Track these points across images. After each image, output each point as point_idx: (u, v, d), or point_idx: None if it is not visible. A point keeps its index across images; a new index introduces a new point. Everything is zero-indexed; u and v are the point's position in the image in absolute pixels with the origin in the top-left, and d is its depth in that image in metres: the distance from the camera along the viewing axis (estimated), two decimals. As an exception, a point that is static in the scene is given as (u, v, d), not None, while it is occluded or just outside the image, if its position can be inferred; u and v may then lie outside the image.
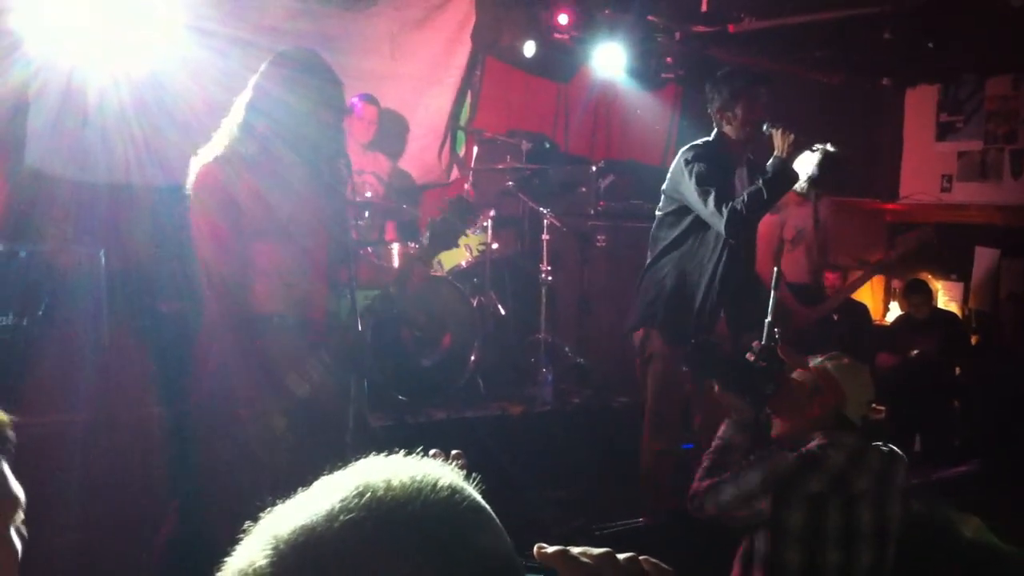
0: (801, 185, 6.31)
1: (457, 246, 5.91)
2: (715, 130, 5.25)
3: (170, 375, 5.17)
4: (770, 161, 5.00)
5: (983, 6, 6.95)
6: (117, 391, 4.99)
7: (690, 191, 5.05)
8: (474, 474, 1.08)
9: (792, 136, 4.93)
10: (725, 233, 4.96)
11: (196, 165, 3.66)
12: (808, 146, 5.13)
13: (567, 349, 7.40)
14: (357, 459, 1.05)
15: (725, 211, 4.89)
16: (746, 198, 4.90)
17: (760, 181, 4.94)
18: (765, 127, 5.03)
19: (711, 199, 4.93)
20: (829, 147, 6.46)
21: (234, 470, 3.49)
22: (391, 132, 7.39)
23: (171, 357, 5.24)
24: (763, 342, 3.49)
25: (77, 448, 4.63)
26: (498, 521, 1.04)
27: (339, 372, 3.71)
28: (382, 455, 1.06)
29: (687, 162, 5.09)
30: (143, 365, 5.19)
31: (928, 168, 10.31)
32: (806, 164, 6.40)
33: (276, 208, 3.70)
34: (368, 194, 6.62)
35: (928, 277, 9.24)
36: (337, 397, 3.73)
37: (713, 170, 5.04)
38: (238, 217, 3.63)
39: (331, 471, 1.04)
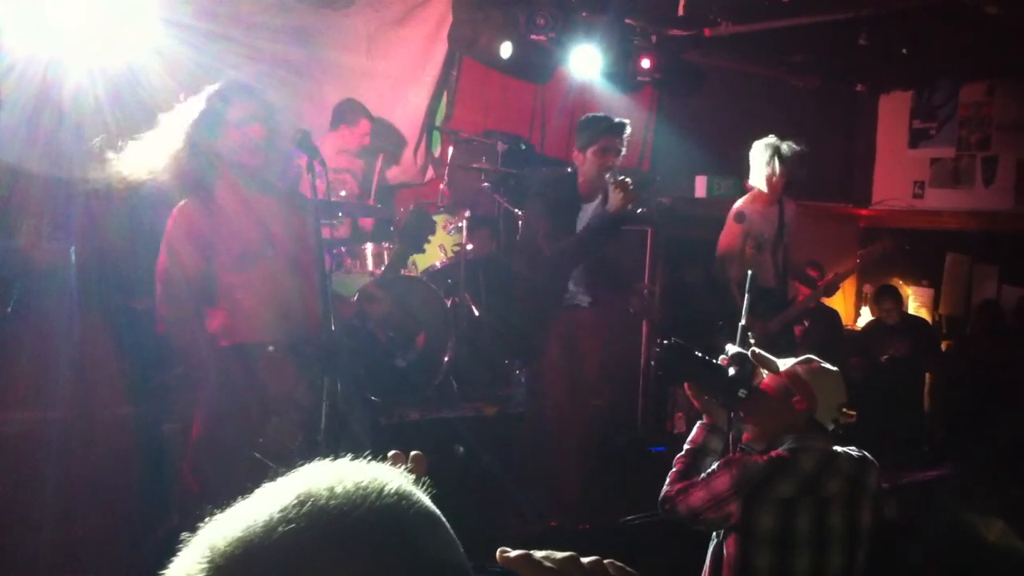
0: (764, 178, 6.40)
1: (423, 251, 5.94)
2: (573, 166, 5.55)
3: (147, 373, 5.16)
4: (597, 215, 5.33)
5: (958, 13, 6.99)
6: (91, 388, 4.96)
7: (534, 208, 5.56)
8: (425, 478, 1.04)
9: (631, 202, 5.18)
10: (544, 252, 5.34)
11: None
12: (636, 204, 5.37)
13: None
14: (333, 459, 1.01)
15: (553, 247, 5.31)
16: (574, 244, 5.31)
17: (587, 231, 5.30)
18: (608, 176, 5.24)
19: (544, 229, 5.38)
20: (791, 144, 6.47)
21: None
22: (384, 140, 7.38)
23: (147, 354, 5.22)
24: (736, 345, 3.51)
25: (52, 446, 4.60)
26: (449, 527, 1.01)
27: (315, 373, 3.73)
28: (327, 460, 1.01)
29: (539, 182, 5.61)
30: (118, 362, 5.16)
31: (901, 174, 10.38)
32: (763, 165, 6.43)
33: (252, 235, 3.73)
34: (343, 192, 6.61)
35: (899, 283, 9.31)
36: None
37: (555, 200, 5.44)
38: (213, 252, 3.68)
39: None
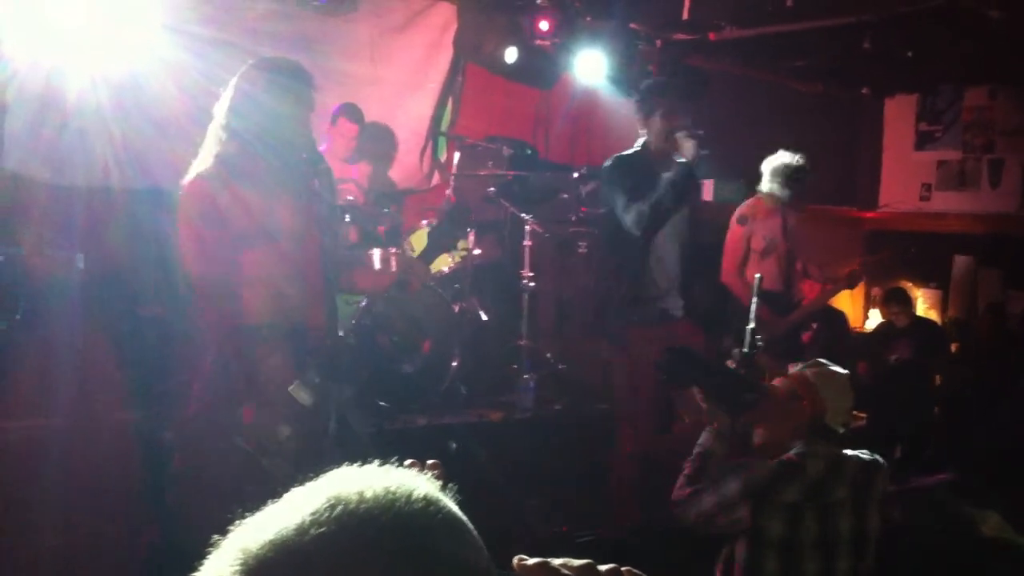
0: (770, 193, 6.45)
1: (456, 249, 5.92)
2: (641, 139, 5.55)
3: (149, 380, 5.15)
4: (674, 169, 5.29)
5: (962, 17, 6.98)
6: (94, 395, 4.96)
7: (606, 196, 5.51)
8: (451, 484, 1.05)
9: (702, 144, 5.22)
10: (632, 231, 5.31)
11: (186, 177, 3.67)
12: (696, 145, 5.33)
13: (548, 355, 7.38)
14: (338, 465, 1.02)
15: (632, 213, 5.27)
16: (652, 201, 5.24)
17: (667, 186, 5.24)
18: (678, 134, 5.29)
19: (621, 202, 5.33)
20: (796, 159, 6.53)
21: (233, 478, 3.49)
22: (374, 143, 7.37)
23: (150, 361, 5.22)
24: (744, 349, 3.49)
25: (55, 452, 4.60)
26: (475, 533, 1.01)
27: (323, 377, 3.72)
28: (356, 464, 1.02)
29: (605, 171, 5.51)
30: (121, 369, 5.16)
31: (907, 177, 10.36)
32: (774, 175, 6.50)
33: (264, 214, 3.69)
34: (349, 198, 6.60)
35: (907, 285, 9.29)
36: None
37: (627, 177, 5.39)
38: (225, 227, 3.63)
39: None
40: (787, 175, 6.51)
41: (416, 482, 1.00)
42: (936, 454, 7.67)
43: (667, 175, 5.30)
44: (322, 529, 0.92)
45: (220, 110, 3.75)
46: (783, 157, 6.58)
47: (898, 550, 3.73)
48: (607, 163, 5.51)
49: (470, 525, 1.02)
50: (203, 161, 3.69)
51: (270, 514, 0.97)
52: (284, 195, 3.76)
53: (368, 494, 0.95)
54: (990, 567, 3.89)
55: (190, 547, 0.99)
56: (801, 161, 6.56)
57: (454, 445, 5.96)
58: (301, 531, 0.92)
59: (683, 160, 5.26)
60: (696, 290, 5.76)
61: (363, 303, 5.93)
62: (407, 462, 1.19)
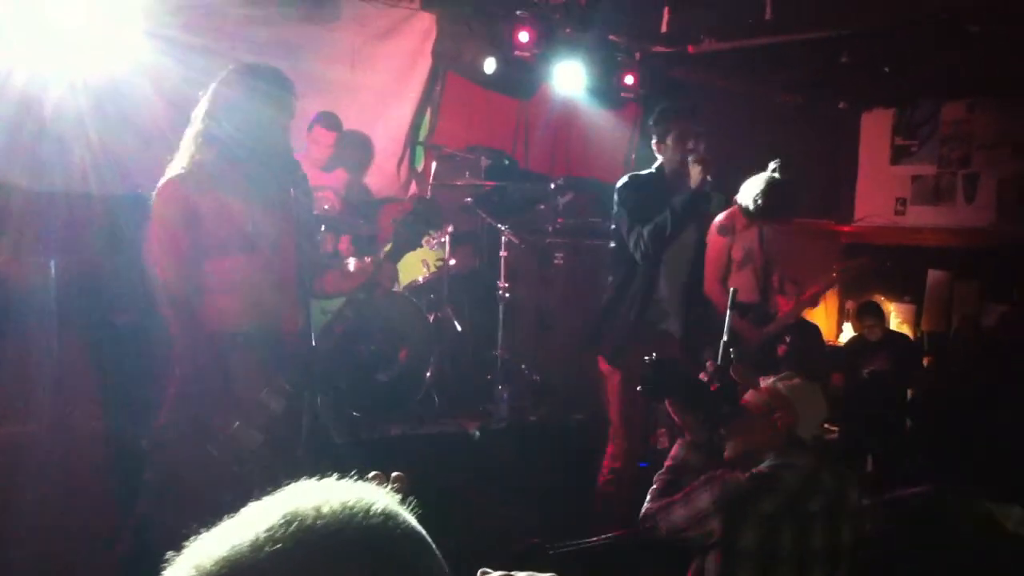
0: (746, 207, 6.48)
1: (421, 245, 5.90)
2: (658, 161, 5.56)
3: (125, 387, 5.13)
4: (680, 195, 5.27)
5: (940, 31, 7.02)
6: (69, 402, 4.94)
7: (616, 215, 5.48)
8: (411, 498, 1.04)
9: (709, 171, 5.20)
10: (636, 255, 5.34)
11: (161, 180, 3.66)
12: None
13: (524, 366, 7.38)
14: (313, 474, 1.02)
15: (633, 235, 5.30)
16: (651, 227, 5.25)
17: (667, 212, 5.24)
18: (690, 159, 5.29)
19: (626, 223, 5.37)
20: (775, 174, 6.55)
21: (206, 486, 3.48)
22: (352, 151, 7.36)
23: (126, 369, 5.20)
24: (718, 362, 3.51)
25: (30, 459, 4.58)
26: (435, 547, 1.01)
27: (297, 385, 3.71)
28: (327, 475, 1.01)
29: (617, 189, 5.50)
30: (96, 376, 5.13)
31: (883, 191, 10.41)
32: (752, 189, 6.52)
33: (240, 220, 3.69)
34: (325, 207, 6.60)
35: (881, 299, 9.33)
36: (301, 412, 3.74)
37: (637, 198, 5.40)
38: (199, 232, 3.62)
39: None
40: (764, 189, 6.53)
41: (375, 496, 0.99)
42: (911, 466, 7.71)
43: (674, 199, 5.34)
44: (277, 546, 0.91)
45: (198, 115, 3.76)
46: (765, 174, 6.59)
47: (873, 562, 3.74)
48: (620, 182, 5.53)
49: (429, 540, 1.01)
50: (178, 165, 3.69)
51: (225, 530, 0.96)
52: (261, 202, 3.75)
53: (325, 509, 0.94)
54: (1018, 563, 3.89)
55: (163, 555, 0.99)
56: (779, 174, 6.58)
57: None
58: (256, 547, 0.91)
59: (691, 187, 5.25)
60: (696, 311, 5.75)
61: (336, 308, 5.95)
62: (370, 475, 1.18)
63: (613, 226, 5.57)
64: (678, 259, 5.54)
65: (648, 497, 3.45)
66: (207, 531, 0.96)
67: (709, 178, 5.22)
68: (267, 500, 0.98)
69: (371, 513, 0.96)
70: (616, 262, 5.59)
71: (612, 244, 5.62)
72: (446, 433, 6.41)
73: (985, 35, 6.92)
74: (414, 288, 6.88)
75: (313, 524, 0.93)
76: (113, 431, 5.00)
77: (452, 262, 7.07)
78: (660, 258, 5.42)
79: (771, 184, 6.51)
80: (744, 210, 6.60)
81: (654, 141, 5.56)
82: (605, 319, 5.58)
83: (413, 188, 7.90)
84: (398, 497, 1.02)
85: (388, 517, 0.97)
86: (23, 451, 4.62)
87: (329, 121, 6.81)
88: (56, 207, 5.46)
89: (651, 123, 5.64)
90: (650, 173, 5.56)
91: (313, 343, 3.81)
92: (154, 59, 5.63)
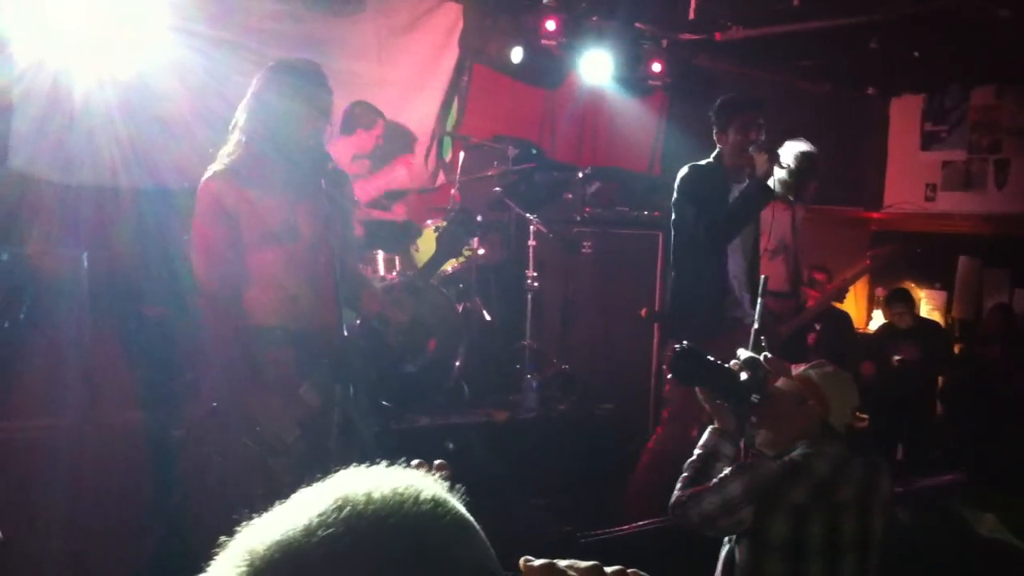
0: (776, 183, 6.43)
1: (463, 255, 5.91)
2: (716, 151, 5.58)
3: (156, 380, 5.15)
4: (747, 183, 5.34)
5: (968, 16, 6.97)
6: (101, 395, 4.96)
7: (679, 206, 5.51)
8: (458, 485, 1.05)
9: (777, 160, 5.24)
10: (704, 242, 5.38)
11: (203, 176, 3.70)
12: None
13: (552, 356, 7.38)
14: (343, 466, 1.02)
15: (704, 224, 5.33)
16: (726, 216, 5.33)
17: (741, 200, 5.34)
18: (751, 148, 5.32)
19: (692, 212, 5.40)
20: (805, 146, 6.48)
21: (240, 479, 3.51)
22: (395, 140, 7.37)
23: (157, 361, 5.22)
24: (749, 350, 3.49)
25: (63, 452, 4.61)
26: (483, 534, 1.02)
27: (332, 379, 3.74)
28: (363, 465, 1.02)
29: (679, 180, 5.52)
30: (128, 369, 5.17)
31: (912, 177, 10.35)
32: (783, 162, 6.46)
33: (275, 216, 3.71)
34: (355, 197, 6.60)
35: (911, 286, 9.28)
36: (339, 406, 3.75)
37: (700, 188, 5.44)
38: (235, 228, 3.65)
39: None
40: (796, 166, 6.45)
41: (424, 483, 1.00)
42: (942, 455, 7.67)
43: (739, 188, 5.38)
44: (330, 530, 0.92)
45: (240, 111, 3.79)
46: (793, 147, 6.52)
47: (904, 552, 3.73)
48: (681, 172, 5.55)
49: (478, 526, 1.02)
50: (220, 161, 3.72)
51: (277, 515, 0.97)
52: (298, 198, 3.77)
53: (376, 495, 0.95)
54: (986, 568, 3.89)
55: (197, 547, 0.99)
56: (807, 148, 6.51)
57: (451, 445, 5.97)
58: (308, 532, 0.92)
59: (756, 176, 5.28)
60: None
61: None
62: (414, 462, 1.19)
63: (673, 217, 5.59)
64: (742, 247, 5.59)
65: (679, 484, 3.44)
66: (242, 523, 0.97)
67: (777, 168, 5.25)
68: (319, 486, 0.99)
69: (420, 500, 0.97)
70: (681, 254, 5.61)
71: (674, 236, 5.63)
72: (475, 423, 6.42)
73: (1014, 20, 6.85)
74: (443, 278, 6.88)
75: (364, 510, 0.94)
76: (144, 424, 5.03)
77: (480, 252, 7.07)
78: (726, 247, 5.49)
79: (801, 153, 6.45)
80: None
81: (715, 132, 5.58)
82: (679, 312, 5.63)
83: (441, 178, 7.90)
84: (446, 484, 1.03)
85: (437, 504, 0.98)
86: (55, 444, 4.65)
87: (378, 110, 6.78)
88: (86, 200, 5.50)
89: (712, 113, 5.64)
90: (709, 163, 5.57)
91: (345, 334, 3.82)
92: (180, 54, 5.65)
